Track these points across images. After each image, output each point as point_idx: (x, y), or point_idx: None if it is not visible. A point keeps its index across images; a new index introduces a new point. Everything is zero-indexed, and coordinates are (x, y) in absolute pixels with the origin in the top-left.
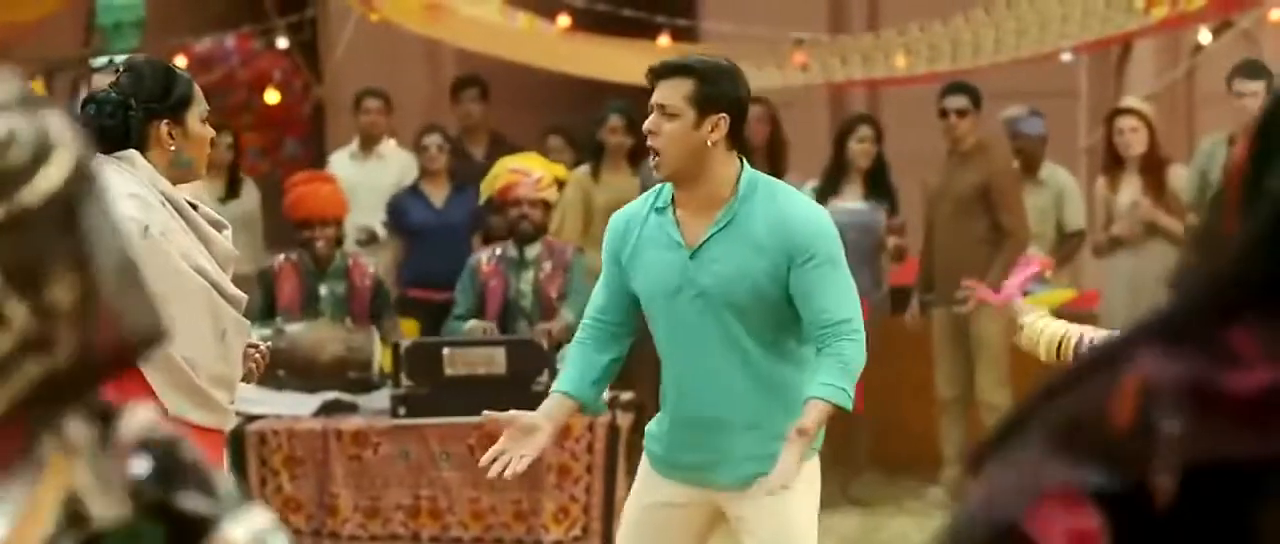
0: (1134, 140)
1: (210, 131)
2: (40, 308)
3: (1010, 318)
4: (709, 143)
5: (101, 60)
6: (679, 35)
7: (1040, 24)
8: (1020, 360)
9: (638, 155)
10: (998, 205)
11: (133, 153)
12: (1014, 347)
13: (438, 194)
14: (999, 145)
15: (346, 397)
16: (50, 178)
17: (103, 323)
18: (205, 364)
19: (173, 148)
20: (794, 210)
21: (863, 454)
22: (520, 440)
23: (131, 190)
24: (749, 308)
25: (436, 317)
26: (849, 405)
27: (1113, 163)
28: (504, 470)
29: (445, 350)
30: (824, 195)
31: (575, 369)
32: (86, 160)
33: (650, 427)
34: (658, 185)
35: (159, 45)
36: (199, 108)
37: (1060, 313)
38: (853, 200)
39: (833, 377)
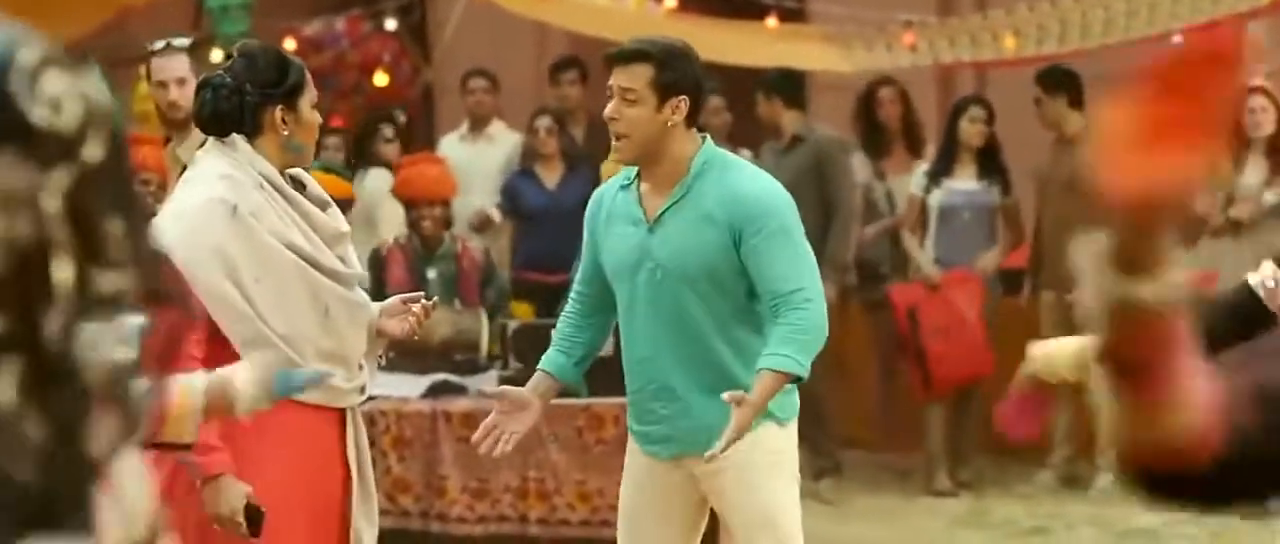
0: (1264, 120)
1: (319, 117)
2: (106, 261)
3: None
4: (669, 125)
5: (159, 43)
6: (787, 16)
7: (1150, 5)
8: None
9: (735, 136)
10: None
11: (236, 137)
12: None
13: (551, 177)
14: None
15: (455, 378)
16: (102, 139)
17: (151, 270)
18: (308, 340)
19: (286, 132)
20: (742, 184)
21: (972, 438)
22: (511, 416)
23: (224, 172)
24: (702, 280)
25: (550, 299)
26: (803, 374)
27: (1236, 142)
28: (496, 447)
29: (553, 332)
30: (936, 176)
31: (558, 349)
32: (121, 121)
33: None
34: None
35: (267, 28)
36: (310, 93)
37: None
38: (965, 181)
39: (782, 346)
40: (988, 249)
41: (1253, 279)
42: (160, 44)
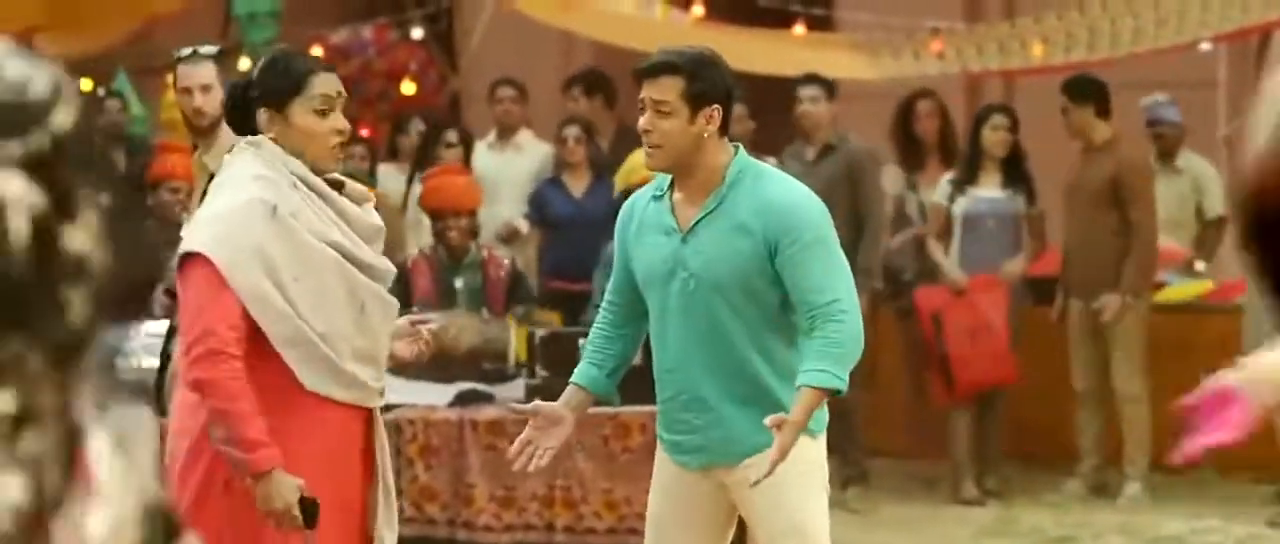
0: None
1: (326, 124)
2: (78, 219)
3: (1145, 308)
4: (705, 135)
5: (185, 50)
6: (814, 25)
7: (1180, 14)
8: (1156, 351)
9: (759, 144)
10: (1127, 199)
11: (261, 137)
12: (1150, 337)
13: (578, 185)
14: (1131, 139)
15: (482, 387)
16: (69, 112)
17: (124, 253)
18: (345, 339)
19: (272, 135)
20: (777, 194)
21: (997, 446)
22: (546, 432)
23: (257, 172)
24: (735, 290)
25: (576, 307)
26: (842, 388)
27: None
28: (530, 462)
29: (581, 340)
30: (961, 184)
31: (590, 361)
32: (85, 104)
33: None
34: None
35: (296, 35)
36: (309, 100)
37: (1199, 303)
38: (990, 189)
39: (820, 361)
40: (1012, 257)
41: None
42: (186, 51)
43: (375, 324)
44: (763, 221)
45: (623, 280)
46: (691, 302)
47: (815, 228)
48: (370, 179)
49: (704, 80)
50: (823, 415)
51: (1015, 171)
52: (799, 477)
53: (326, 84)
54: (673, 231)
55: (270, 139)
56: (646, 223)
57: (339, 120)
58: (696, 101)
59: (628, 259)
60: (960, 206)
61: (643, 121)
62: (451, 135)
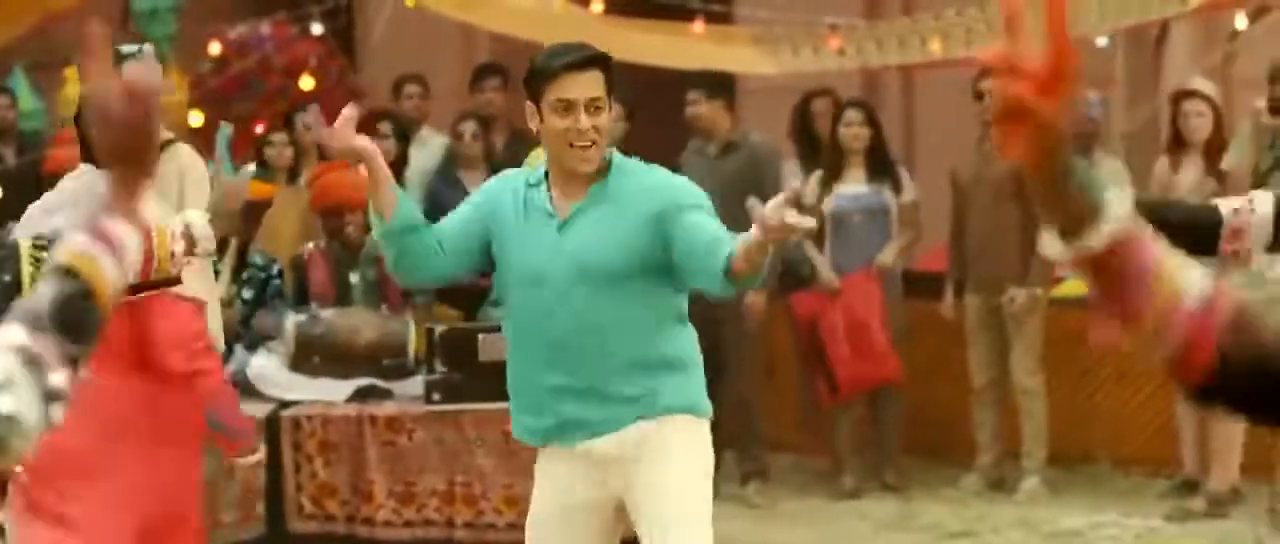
0: (1200, 125)
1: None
2: None
3: (1043, 302)
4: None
5: (131, 47)
6: (713, 19)
7: (1077, 12)
8: (1052, 345)
9: (658, 142)
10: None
11: None
12: (1047, 331)
13: (474, 181)
14: None
15: (381, 383)
16: None
17: None
18: None
19: None
20: (658, 175)
21: (896, 440)
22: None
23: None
24: (618, 273)
25: (474, 303)
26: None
27: (1175, 144)
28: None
29: (480, 336)
30: (826, 183)
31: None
32: None
33: (516, 428)
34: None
35: (193, 32)
36: None
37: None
38: (854, 185)
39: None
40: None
41: (1224, 207)
42: (132, 48)
43: None
44: (648, 201)
45: (452, 233)
46: (573, 288)
47: (700, 198)
48: (266, 173)
49: (613, 71)
50: (708, 403)
51: (879, 166)
52: (690, 464)
53: None
54: (551, 218)
55: None
56: (525, 211)
57: None
58: (611, 92)
59: (479, 230)
60: (828, 206)
61: (583, 123)
62: (385, 126)
